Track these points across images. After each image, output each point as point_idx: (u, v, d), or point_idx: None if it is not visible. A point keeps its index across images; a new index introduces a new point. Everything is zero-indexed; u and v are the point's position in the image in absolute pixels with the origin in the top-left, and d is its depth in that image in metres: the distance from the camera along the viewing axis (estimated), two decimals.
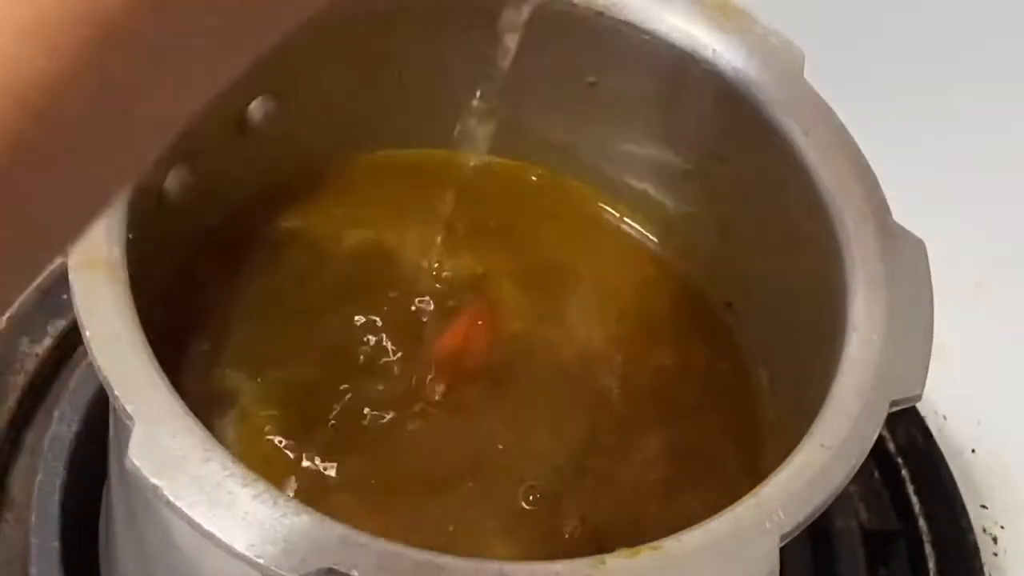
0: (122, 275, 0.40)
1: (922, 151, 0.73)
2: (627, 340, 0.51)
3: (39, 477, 0.54)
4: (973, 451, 0.65)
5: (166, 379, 0.39)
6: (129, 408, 0.38)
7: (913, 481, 0.61)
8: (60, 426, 0.55)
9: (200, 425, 0.38)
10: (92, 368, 0.57)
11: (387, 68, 0.51)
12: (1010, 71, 0.79)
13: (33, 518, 0.53)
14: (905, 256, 0.43)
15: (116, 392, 0.38)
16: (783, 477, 0.39)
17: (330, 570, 0.35)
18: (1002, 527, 0.63)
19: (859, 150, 0.46)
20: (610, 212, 0.54)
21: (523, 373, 0.50)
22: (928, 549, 0.60)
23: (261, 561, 0.36)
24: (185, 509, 0.36)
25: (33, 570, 0.52)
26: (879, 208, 0.44)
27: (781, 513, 0.38)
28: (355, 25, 0.49)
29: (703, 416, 0.49)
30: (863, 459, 0.39)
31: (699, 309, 0.52)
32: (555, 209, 0.54)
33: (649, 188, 0.53)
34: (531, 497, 0.47)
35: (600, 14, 0.49)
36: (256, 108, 0.49)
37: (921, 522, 0.60)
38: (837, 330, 0.42)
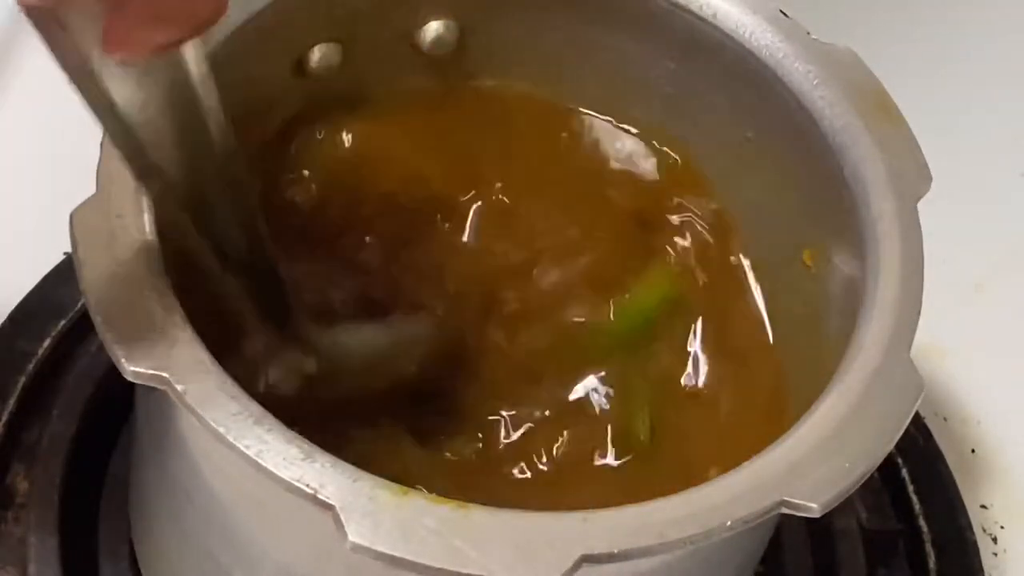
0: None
1: (922, 150, 0.72)
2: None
3: (39, 477, 0.54)
4: (973, 451, 0.65)
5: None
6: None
7: (913, 481, 0.61)
8: (60, 426, 0.55)
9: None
10: (91, 367, 0.57)
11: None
12: (1010, 70, 0.79)
13: (33, 518, 0.53)
14: (896, 390, 0.42)
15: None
16: (628, 510, 0.38)
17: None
18: (1002, 527, 0.63)
19: (921, 288, 0.44)
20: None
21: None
22: (928, 549, 0.60)
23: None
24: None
25: (33, 569, 0.52)
26: (901, 341, 0.43)
27: (594, 539, 0.36)
28: None
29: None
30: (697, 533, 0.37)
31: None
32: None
33: (771, 260, 0.53)
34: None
35: (766, 65, 0.48)
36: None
37: (921, 522, 0.60)
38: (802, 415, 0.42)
